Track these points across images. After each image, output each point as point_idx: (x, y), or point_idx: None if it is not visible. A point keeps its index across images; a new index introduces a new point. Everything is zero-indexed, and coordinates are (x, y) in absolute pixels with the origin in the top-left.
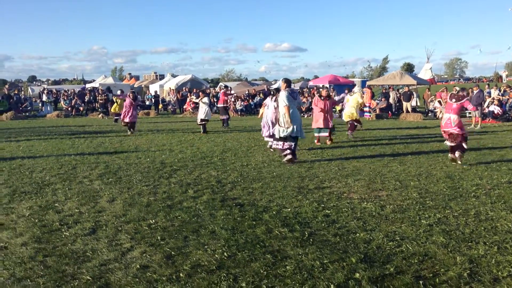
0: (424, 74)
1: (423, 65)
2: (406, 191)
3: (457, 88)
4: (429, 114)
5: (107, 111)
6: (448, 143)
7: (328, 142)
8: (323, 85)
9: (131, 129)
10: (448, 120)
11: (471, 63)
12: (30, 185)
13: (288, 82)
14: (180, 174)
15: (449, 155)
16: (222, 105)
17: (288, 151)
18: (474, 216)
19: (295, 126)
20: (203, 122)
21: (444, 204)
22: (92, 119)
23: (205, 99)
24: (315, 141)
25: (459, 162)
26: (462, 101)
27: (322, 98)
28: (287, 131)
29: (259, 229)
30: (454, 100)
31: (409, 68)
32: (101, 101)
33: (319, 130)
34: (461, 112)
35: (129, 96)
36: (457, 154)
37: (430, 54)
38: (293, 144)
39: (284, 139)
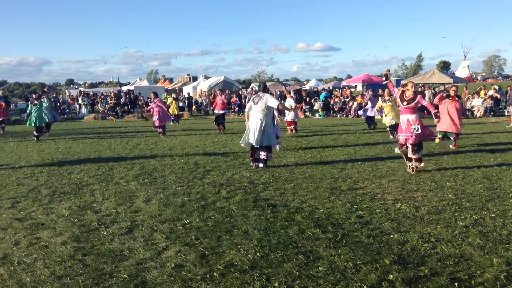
0: (461, 72)
1: (460, 63)
2: (442, 192)
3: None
4: (467, 113)
5: (117, 114)
6: (397, 150)
7: (452, 147)
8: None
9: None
10: (408, 122)
11: (510, 60)
12: (69, 185)
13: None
14: (213, 174)
15: (409, 165)
16: (221, 112)
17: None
18: None
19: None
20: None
21: (481, 205)
22: (128, 121)
23: (290, 102)
24: (436, 141)
25: (421, 165)
26: (416, 99)
27: (450, 98)
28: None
29: (292, 229)
30: (405, 102)
31: (445, 66)
32: (111, 105)
33: (444, 133)
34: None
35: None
36: (415, 165)
37: (467, 52)
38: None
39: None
